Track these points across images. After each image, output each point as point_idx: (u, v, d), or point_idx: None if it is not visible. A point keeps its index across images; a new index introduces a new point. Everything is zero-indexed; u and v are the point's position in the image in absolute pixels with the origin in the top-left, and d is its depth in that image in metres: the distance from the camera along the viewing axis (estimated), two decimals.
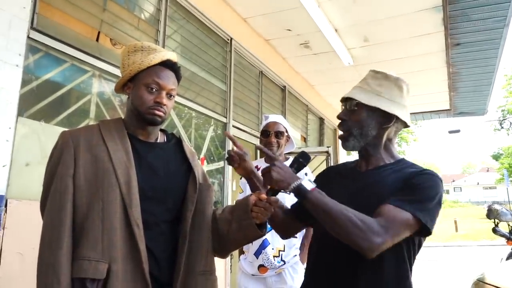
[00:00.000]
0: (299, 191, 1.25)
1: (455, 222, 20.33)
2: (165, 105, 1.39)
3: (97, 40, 2.83)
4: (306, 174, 2.58)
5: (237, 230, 1.41)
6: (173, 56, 1.47)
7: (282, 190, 1.32)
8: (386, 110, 1.36)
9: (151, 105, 1.38)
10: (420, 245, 1.35)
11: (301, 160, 1.39)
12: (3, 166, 2.07)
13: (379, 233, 1.16)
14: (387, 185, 1.31)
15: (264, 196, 1.35)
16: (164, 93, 1.39)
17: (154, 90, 1.39)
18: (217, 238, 1.46)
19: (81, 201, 1.27)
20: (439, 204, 1.27)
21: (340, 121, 1.43)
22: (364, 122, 1.37)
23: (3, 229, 2.04)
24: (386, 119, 1.38)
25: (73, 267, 1.21)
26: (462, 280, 7.52)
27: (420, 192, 1.25)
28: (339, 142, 1.48)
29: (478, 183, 59.10)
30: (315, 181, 1.61)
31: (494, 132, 30.43)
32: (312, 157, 5.24)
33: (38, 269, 1.22)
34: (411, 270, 1.32)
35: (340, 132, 1.44)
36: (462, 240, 16.79)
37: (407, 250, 1.30)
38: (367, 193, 1.33)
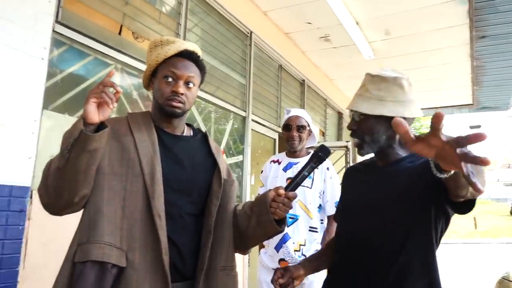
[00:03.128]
0: None
1: (474, 218, 19.99)
2: (182, 94, 1.37)
3: (119, 33, 2.84)
4: (328, 168, 2.55)
5: (256, 225, 1.40)
6: (192, 46, 1.45)
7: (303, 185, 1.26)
8: (391, 115, 1.34)
9: (168, 96, 1.37)
10: (442, 231, 1.33)
11: (321, 154, 1.38)
12: (29, 158, 2.11)
13: None
14: (404, 175, 1.32)
15: (282, 191, 1.33)
16: (181, 83, 1.38)
17: (171, 80, 1.38)
18: (237, 234, 1.45)
19: (102, 183, 1.26)
20: None
21: (350, 130, 1.45)
22: (373, 130, 1.37)
23: (29, 220, 2.08)
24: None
25: (91, 249, 1.19)
26: (482, 278, 7.40)
27: None
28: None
29: (498, 179, 57.92)
30: (342, 182, 1.64)
31: None
32: (331, 151, 5.20)
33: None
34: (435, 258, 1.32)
35: (354, 140, 1.45)
36: (481, 237, 16.50)
37: (434, 233, 1.29)
38: (386, 185, 1.34)
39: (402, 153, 1.44)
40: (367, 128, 1.38)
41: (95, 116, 1.16)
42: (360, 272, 1.33)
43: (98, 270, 1.18)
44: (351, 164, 4.76)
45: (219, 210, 1.40)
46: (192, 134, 1.53)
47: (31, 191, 2.10)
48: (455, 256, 11.67)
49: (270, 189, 1.38)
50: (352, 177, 1.58)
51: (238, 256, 1.51)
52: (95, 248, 1.19)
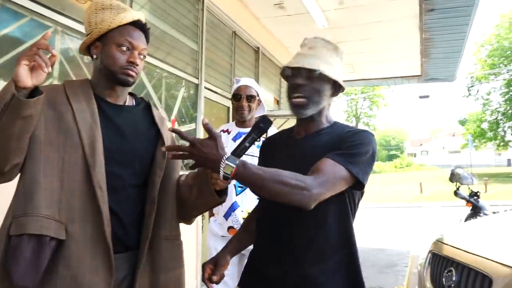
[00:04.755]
0: (225, 175, 1.22)
1: (420, 184, 21.16)
2: (137, 65, 1.36)
3: None
4: None
5: (198, 196, 1.41)
6: (143, 17, 1.44)
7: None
8: (340, 83, 1.42)
9: (124, 65, 1.34)
10: (358, 202, 1.43)
11: (262, 125, 1.37)
12: None
13: (313, 185, 1.21)
14: (322, 147, 1.37)
15: None
16: (136, 53, 1.36)
17: (126, 49, 1.35)
18: (180, 204, 1.47)
19: (38, 153, 1.22)
20: (372, 158, 1.35)
21: (295, 86, 1.41)
22: (322, 91, 1.40)
23: None
24: (335, 89, 1.45)
25: (27, 222, 1.17)
26: (422, 239, 7.91)
27: (353, 148, 1.32)
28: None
29: (444, 147, 61.27)
30: (259, 156, 1.65)
31: (462, 98, 31.27)
32: (284, 120, 5.25)
33: None
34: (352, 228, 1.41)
35: (296, 100, 1.41)
36: (426, 201, 17.54)
37: (349, 208, 1.37)
38: (305, 159, 1.37)
39: (326, 123, 1.47)
40: (318, 87, 1.39)
41: (27, 79, 1.10)
42: (282, 247, 1.37)
43: (36, 243, 1.15)
44: None
45: (163, 181, 1.40)
46: (134, 103, 1.50)
47: None
48: (400, 219, 12.38)
49: None
50: (269, 149, 1.58)
51: (192, 224, 1.51)
52: (32, 220, 1.17)
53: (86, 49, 1.42)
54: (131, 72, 1.35)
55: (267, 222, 1.46)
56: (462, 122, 39.07)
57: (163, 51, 3.74)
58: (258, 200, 2.51)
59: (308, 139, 1.44)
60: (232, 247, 1.58)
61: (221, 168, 1.19)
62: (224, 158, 1.19)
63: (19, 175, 1.24)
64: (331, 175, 1.25)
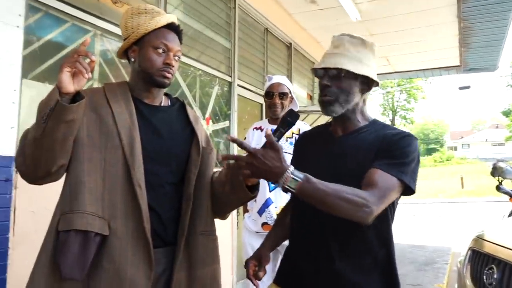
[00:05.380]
0: (289, 189, 1.20)
1: (461, 179, 20.46)
2: (173, 66, 1.42)
3: None
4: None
5: (230, 192, 1.44)
6: (176, 19, 1.49)
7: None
8: (371, 77, 1.40)
9: (160, 67, 1.39)
10: (397, 203, 1.42)
11: (289, 119, 1.36)
12: (11, 127, 2.11)
13: (373, 202, 1.20)
14: (365, 147, 1.36)
15: None
16: (172, 55, 1.41)
17: (162, 52, 1.40)
18: (214, 200, 1.51)
19: (81, 155, 1.28)
20: (418, 163, 1.35)
21: (322, 87, 1.42)
22: (350, 89, 1.39)
23: (15, 189, 2.10)
24: (366, 85, 1.43)
25: (74, 219, 1.23)
26: (463, 235, 7.67)
27: (402, 156, 1.31)
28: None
29: (486, 139, 58.81)
30: (293, 151, 1.64)
31: (506, 88, 29.88)
32: (318, 116, 5.22)
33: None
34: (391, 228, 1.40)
35: (323, 97, 1.42)
36: (468, 197, 16.95)
37: (389, 210, 1.36)
38: (346, 158, 1.37)
39: (362, 121, 1.46)
40: (344, 86, 1.38)
41: (69, 85, 1.17)
42: (317, 244, 1.38)
43: (82, 238, 1.22)
44: None
45: (198, 178, 1.45)
46: (169, 104, 1.55)
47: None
48: (441, 215, 12.04)
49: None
50: (305, 145, 1.58)
51: (227, 221, 1.54)
52: (78, 217, 1.24)
53: (124, 53, 1.48)
54: (167, 74, 1.40)
55: (301, 220, 1.46)
56: (506, 113, 37.37)
57: (197, 50, 3.81)
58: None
59: (349, 138, 1.43)
60: (270, 243, 1.60)
61: (286, 182, 1.17)
62: (289, 171, 1.16)
63: (65, 175, 1.32)
64: (387, 188, 1.24)
